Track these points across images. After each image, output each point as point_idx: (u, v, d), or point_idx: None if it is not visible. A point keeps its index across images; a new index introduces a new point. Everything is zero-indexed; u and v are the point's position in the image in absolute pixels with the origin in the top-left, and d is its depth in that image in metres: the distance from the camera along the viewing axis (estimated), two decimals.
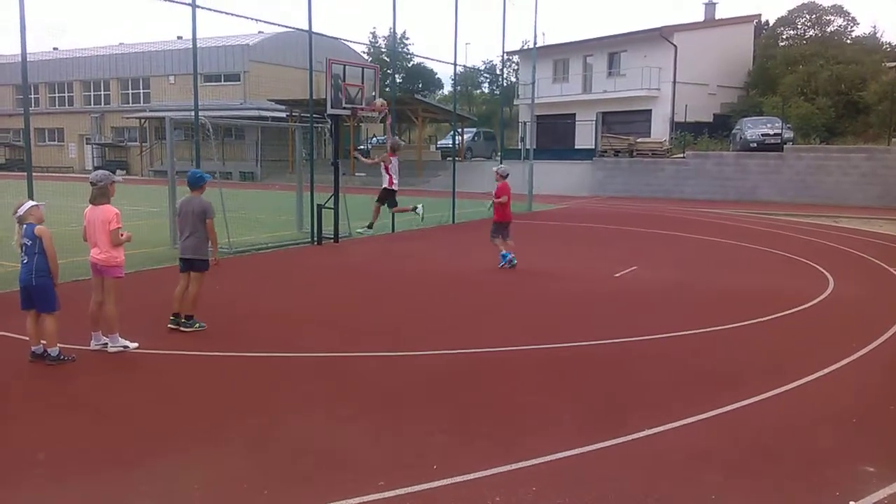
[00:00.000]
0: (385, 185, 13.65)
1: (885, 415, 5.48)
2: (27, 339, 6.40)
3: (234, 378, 6.16)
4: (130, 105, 52.53)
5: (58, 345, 6.29)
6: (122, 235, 6.67)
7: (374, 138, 52.38)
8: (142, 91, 52.88)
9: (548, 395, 5.76)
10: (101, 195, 6.68)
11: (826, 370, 6.43)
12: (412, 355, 6.86)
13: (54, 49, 56.62)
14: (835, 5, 41.62)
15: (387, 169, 13.55)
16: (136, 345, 6.76)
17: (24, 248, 6.26)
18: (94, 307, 6.70)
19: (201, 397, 5.64)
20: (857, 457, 4.64)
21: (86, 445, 4.68)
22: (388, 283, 10.75)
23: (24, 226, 6.29)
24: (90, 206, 6.70)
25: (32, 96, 52.84)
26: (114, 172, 7.20)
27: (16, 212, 6.30)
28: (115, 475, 4.26)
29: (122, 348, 6.69)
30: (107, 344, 6.71)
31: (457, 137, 35.45)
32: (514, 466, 4.36)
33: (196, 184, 7.57)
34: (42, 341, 6.34)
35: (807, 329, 8.24)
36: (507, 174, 12.02)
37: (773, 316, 8.60)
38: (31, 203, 6.41)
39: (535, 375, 6.31)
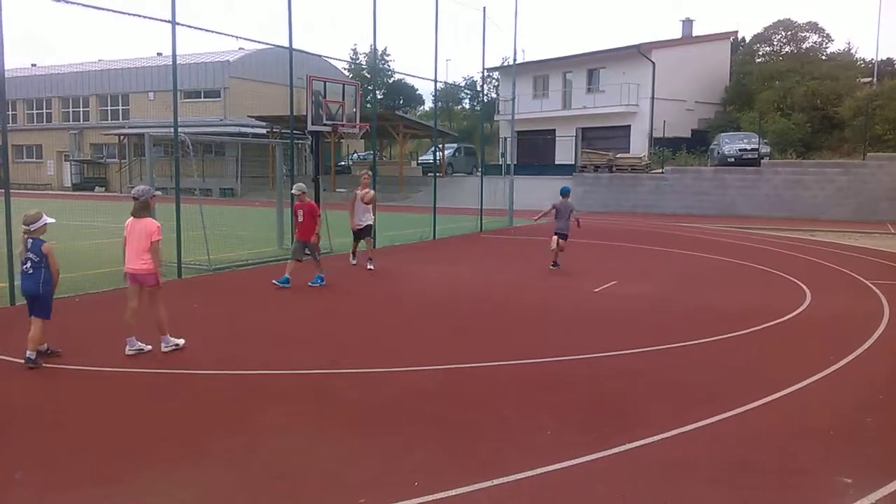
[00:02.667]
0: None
1: (862, 427, 5.55)
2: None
3: (214, 396, 6.11)
4: (109, 122, 52.18)
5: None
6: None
7: (356, 154, 52.51)
8: (121, 107, 52.56)
9: (528, 410, 5.77)
10: (142, 208, 7.05)
11: (803, 383, 6.50)
12: (392, 371, 6.85)
13: (32, 65, 56.38)
14: (810, 22, 42.35)
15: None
16: (182, 341, 7.34)
17: (29, 261, 6.48)
18: (129, 315, 7.06)
19: (182, 415, 5.59)
20: (834, 468, 4.69)
21: (66, 463, 4.62)
22: (369, 300, 10.73)
23: (32, 240, 6.49)
24: (132, 218, 7.06)
25: (10, 112, 52.40)
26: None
27: (30, 223, 6.50)
28: (94, 493, 4.21)
29: (174, 346, 7.20)
30: (142, 349, 7.07)
31: (438, 153, 35.56)
32: (494, 482, 4.35)
33: (566, 192, 13.93)
34: (29, 349, 6.49)
35: (784, 342, 8.32)
36: (303, 191, 11.67)
37: (751, 329, 8.68)
38: (48, 219, 6.63)
39: (515, 391, 6.31)
